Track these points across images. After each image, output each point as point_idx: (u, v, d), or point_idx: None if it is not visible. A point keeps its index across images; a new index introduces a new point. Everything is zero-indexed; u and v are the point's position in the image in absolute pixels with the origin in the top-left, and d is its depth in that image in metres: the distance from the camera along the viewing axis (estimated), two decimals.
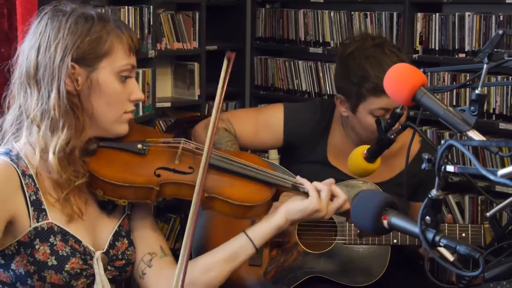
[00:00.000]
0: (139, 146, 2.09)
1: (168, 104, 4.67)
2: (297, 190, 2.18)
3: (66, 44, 1.94)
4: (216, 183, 2.11)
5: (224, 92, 2.07)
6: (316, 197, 2.14)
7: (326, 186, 2.17)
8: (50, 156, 1.93)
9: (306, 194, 2.17)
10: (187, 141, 2.17)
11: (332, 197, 2.18)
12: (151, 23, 4.31)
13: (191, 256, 2.56)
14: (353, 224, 2.56)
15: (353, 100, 2.67)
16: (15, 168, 1.94)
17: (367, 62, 2.63)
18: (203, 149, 2.09)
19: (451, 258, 1.50)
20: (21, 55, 2.00)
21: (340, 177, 2.75)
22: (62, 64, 1.93)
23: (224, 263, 2.13)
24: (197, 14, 4.70)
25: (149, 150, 2.11)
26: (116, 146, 2.09)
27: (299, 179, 2.19)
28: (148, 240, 2.15)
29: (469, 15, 3.93)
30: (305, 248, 2.64)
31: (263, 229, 2.15)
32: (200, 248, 2.67)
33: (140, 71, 4.21)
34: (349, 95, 2.69)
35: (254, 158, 2.27)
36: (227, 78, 2.10)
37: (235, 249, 2.14)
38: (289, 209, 2.16)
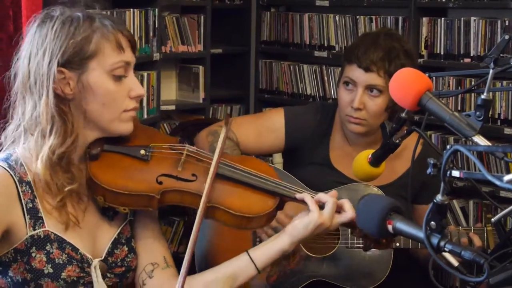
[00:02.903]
0: (142, 152, 2.07)
1: (172, 107, 4.67)
2: (303, 201, 2.15)
3: (52, 49, 1.91)
4: (218, 192, 2.07)
5: (219, 157, 2.05)
6: (317, 210, 2.08)
7: (332, 198, 2.11)
8: (38, 163, 1.91)
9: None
10: (191, 147, 2.14)
11: (341, 210, 2.14)
12: (156, 26, 4.31)
13: (194, 270, 2.56)
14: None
15: (340, 71, 2.80)
16: (12, 176, 1.93)
17: (361, 37, 2.78)
18: (207, 156, 2.07)
19: (455, 263, 1.49)
20: (17, 64, 1.99)
21: (343, 180, 2.76)
22: (49, 70, 1.91)
23: (224, 282, 2.09)
24: (202, 17, 4.71)
25: (152, 156, 2.08)
26: (119, 151, 2.06)
27: (299, 195, 2.13)
28: (151, 249, 2.12)
29: (474, 20, 3.93)
30: (307, 252, 2.63)
31: (266, 251, 2.10)
32: (204, 258, 2.67)
33: (145, 73, 4.22)
34: (341, 68, 2.81)
35: (259, 164, 2.23)
36: (225, 144, 2.09)
37: (236, 269, 2.09)
38: (293, 229, 2.10)
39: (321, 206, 2.10)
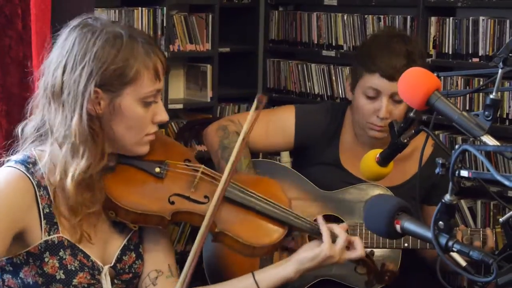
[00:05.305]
0: (157, 169, 2.07)
1: (180, 106, 4.67)
2: (311, 232, 2.18)
3: (91, 69, 1.90)
4: (228, 217, 2.08)
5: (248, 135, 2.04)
6: (329, 243, 2.13)
7: (344, 234, 2.16)
8: (68, 181, 1.91)
9: (320, 236, 2.17)
10: (206, 168, 2.14)
11: (350, 246, 2.18)
12: (164, 25, 4.32)
13: (202, 272, 2.57)
14: (364, 228, 2.56)
15: (354, 78, 2.76)
16: (30, 180, 1.93)
17: (373, 43, 2.75)
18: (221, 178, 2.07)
19: (463, 263, 1.49)
20: (47, 67, 1.98)
21: (352, 181, 2.75)
22: (85, 90, 1.90)
23: None
24: (210, 16, 4.70)
25: (166, 174, 2.08)
26: (135, 165, 2.06)
27: (319, 219, 2.18)
28: (157, 256, 2.12)
29: (483, 20, 3.92)
30: None
31: (271, 276, 2.14)
32: (213, 258, 2.66)
33: None
34: (353, 74, 2.78)
35: (272, 186, 2.24)
36: (255, 123, 2.08)
37: None
38: (301, 260, 2.15)
39: (332, 239, 2.15)
